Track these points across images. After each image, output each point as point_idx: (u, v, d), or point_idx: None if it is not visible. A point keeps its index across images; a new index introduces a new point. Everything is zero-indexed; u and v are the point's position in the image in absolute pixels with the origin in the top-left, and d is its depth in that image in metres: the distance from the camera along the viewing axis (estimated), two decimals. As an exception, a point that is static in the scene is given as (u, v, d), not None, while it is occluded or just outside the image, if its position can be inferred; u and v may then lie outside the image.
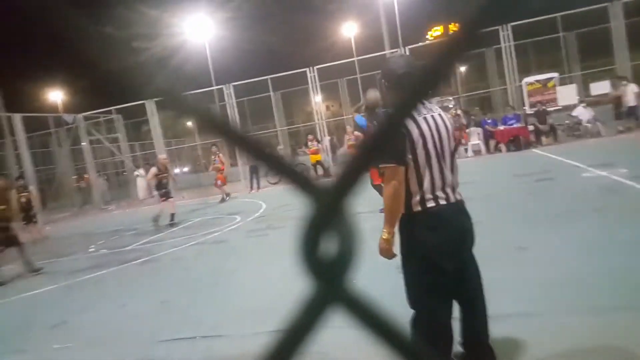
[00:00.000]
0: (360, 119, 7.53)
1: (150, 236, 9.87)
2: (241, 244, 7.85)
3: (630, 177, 7.32)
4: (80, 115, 21.58)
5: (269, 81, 20.40)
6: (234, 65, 29.98)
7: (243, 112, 22.89)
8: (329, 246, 0.36)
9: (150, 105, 20.13)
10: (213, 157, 15.63)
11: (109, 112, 22.10)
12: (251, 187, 16.63)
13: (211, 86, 21.06)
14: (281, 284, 4.77)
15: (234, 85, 19.41)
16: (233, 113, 19.34)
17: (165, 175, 10.97)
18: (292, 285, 4.91)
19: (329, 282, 0.36)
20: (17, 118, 18.29)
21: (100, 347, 4.14)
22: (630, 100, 14.38)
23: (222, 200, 14.87)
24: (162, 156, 11.99)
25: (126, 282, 6.51)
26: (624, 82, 14.66)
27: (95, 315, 5.10)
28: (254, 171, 16.55)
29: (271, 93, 21.36)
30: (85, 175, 22.61)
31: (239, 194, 15.96)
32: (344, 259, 0.35)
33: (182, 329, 4.24)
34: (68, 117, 22.10)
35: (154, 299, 5.29)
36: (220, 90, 19.92)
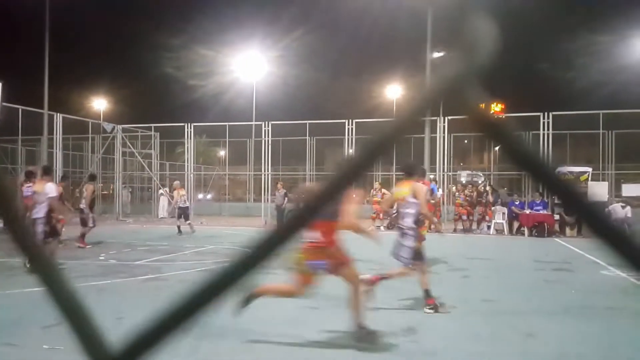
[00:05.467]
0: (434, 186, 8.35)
1: (162, 255, 9.96)
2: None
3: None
4: (120, 126, 22.37)
5: (307, 125, 20.94)
6: (277, 104, 30.81)
7: (276, 151, 23.36)
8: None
9: (189, 128, 20.76)
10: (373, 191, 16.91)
11: (148, 128, 22.86)
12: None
13: (252, 121, 21.68)
14: (288, 321, 4.74)
15: (273, 124, 19.94)
16: (267, 150, 19.76)
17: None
18: (297, 323, 4.89)
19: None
20: (59, 118, 19.05)
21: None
22: None
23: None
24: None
25: (128, 295, 6.54)
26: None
27: (92, 322, 5.11)
28: (280, 212, 17.14)
29: (307, 137, 21.86)
30: (111, 185, 23.18)
31: (258, 229, 16.03)
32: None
33: (177, 352, 4.22)
34: (108, 126, 22.92)
35: (152, 317, 5.27)
36: (259, 127, 20.46)
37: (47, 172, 8.90)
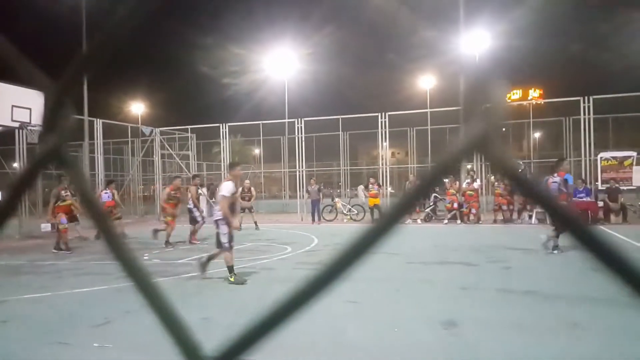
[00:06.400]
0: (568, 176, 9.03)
1: (203, 253, 10.21)
2: (288, 274, 7.96)
3: None
4: (158, 129, 22.98)
5: (340, 121, 20.94)
6: (309, 100, 30.92)
7: (310, 147, 23.55)
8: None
9: (223, 128, 21.13)
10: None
11: (185, 130, 23.40)
12: (313, 220, 17.28)
13: (285, 118, 21.87)
14: (321, 320, 4.82)
15: (305, 120, 20.05)
16: (301, 147, 19.90)
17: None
18: (332, 322, 4.95)
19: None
20: (99, 123, 19.76)
21: (138, 352, 4.31)
22: None
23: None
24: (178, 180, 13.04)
25: (172, 294, 6.74)
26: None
27: (137, 321, 5.16)
28: (315, 205, 17.32)
29: (340, 132, 21.86)
30: (152, 186, 23.87)
31: (294, 224, 16.21)
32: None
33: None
34: (146, 129, 23.58)
35: (195, 315, 5.33)
36: (292, 124, 20.63)
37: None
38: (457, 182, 16.45)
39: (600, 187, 15.68)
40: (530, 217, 15.53)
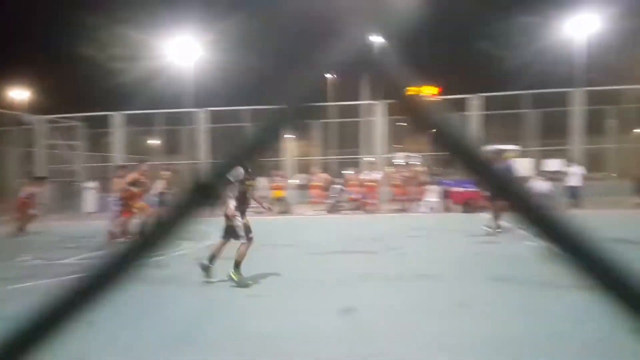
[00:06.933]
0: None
1: (90, 252, 9.48)
2: (184, 271, 7.61)
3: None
4: (40, 117, 20.97)
5: (246, 112, 20.51)
6: (216, 90, 29.92)
7: (215, 139, 22.91)
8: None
9: (116, 117, 19.82)
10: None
11: (72, 118, 21.57)
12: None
13: (189, 108, 21.04)
14: (224, 315, 4.65)
15: (211, 111, 19.40)
16: (204, 138, 19.25)
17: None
18: (235, 317, 4.80)
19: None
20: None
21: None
22: (572, 180, 15.50)
23: None
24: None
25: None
26: (570, 163, 15.71)
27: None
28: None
29: (246, 124, 21.43)
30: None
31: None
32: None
33: (108, 354, 4.01)
34: (27, 117, 21.44)
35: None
36: (196, 114, 19.90)
37: None
38: (359, 174, 16.96)
39: (480, 180, 17.00)
40: (424, 206, 16.43)
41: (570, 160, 16.20)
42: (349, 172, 17.14)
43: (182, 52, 24.98)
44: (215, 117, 20.19)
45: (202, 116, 19.29)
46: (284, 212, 16.63)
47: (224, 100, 23.40)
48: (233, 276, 6.06)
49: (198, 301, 5.63)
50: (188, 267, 7.84)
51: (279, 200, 16.85)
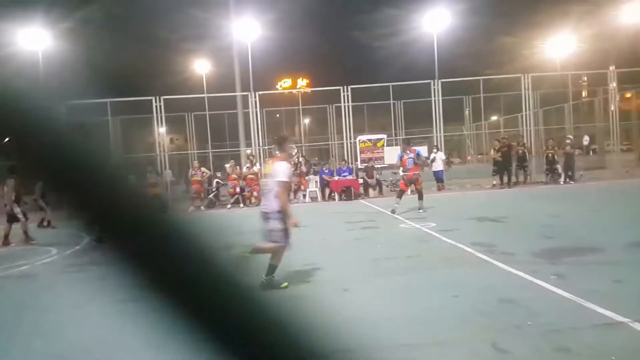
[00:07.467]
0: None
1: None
2: (55, 279, 6.97)
3: (437, 230, 8.48)
4: None
5: (108, 105, 19.05)
6: (70, 82, 27.30)
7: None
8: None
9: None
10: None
11: None
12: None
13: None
14: (97, 327, 4.34)
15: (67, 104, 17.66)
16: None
17: None
18: (110, 328, 4.51)
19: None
20: None
21: None
22: (437, 165, 17.11)
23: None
24: None
25: None
26: (435, 150, 17.30)
27: None
28: None
29: (109, 118, 19.89)
30: None
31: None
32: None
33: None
34: None
35: None
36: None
37: None
38: (238, 167, 16.79)
39: (360, 166, 17.98)
40: (304, 196, 16.86)
41: (433, 147, 17.79)
42: (228, 166, 16.90)
43: (30, 39, 22.40)
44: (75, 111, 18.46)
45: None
46: (160, 210, 15.88)
47: (82, 93, 21.32)
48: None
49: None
50: (56, 274, 7.20)
51: (156, 198, 16.07)
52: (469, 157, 29.22)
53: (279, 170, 5.24)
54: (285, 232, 5.26)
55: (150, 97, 17.99)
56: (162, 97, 17.98)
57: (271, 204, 5.24)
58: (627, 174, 18.65)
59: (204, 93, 24.62)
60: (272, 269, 5.31)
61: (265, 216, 5.29)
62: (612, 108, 20.02)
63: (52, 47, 24.51)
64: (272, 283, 5.27)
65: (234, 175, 16.38)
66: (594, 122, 23.25)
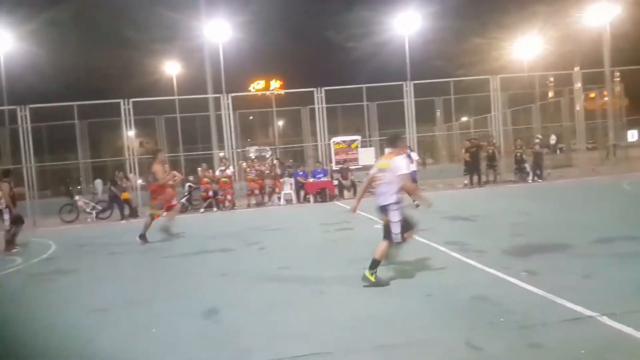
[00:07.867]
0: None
1: None
2: (20, 290, 6.72)
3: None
4: None
5: (75, 108, 18.53)
6: (35, 85, 26.59)
7: (39, 139, 20.35)
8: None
9: None
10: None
11: None
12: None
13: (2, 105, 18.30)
14: (66, 339, 4.20)
15: (31, 108, 17.12)
16: (27, 139, 16.96)
17: None
18: (76, 334, 4.36)
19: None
20: None
21: None
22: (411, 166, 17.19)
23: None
24: None
25: None
26: (409, 150, 17.41)
27: None
28: None
29: (76, 121, 19.37)
30: None
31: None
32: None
33: None
34: None
35: None
36: (13, 112, 17.40)
37: None
38: (211, 171, 16.57)
39: (334, 168, 17.98)
40: (279, 198, 16.77)
41: (406, 148, 17.94)
42: (201, 169, 16.66)
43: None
44: (40, 115, 18.00)
45: (21, 114, 16.96)
46: (131, 216, 15.57)
47: (46, 96, 20.71)
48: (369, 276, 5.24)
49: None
50: (22, 284, 6.96)
51: (126, 202, 15.76)
52: (440, 158, 29.56)
53: (400, 164, 5.47)
54: (403, 224, 5.41)
55: (118, 100, 17.58)
56: (130, 100, 17.59)
57: (388, 197, 5.40)
58: (592, 171, 19.20)
59: (174, 95, 24.24)
60: (376, 264, 5.29)
61: (384, 209, 5.44)
62: (578, 108, 20.59)
63: (15, 50, 23.81)
64: (381, 280, 5.26)
65: (206, 179, 16.16)
66: (561, 121, 23.85)
